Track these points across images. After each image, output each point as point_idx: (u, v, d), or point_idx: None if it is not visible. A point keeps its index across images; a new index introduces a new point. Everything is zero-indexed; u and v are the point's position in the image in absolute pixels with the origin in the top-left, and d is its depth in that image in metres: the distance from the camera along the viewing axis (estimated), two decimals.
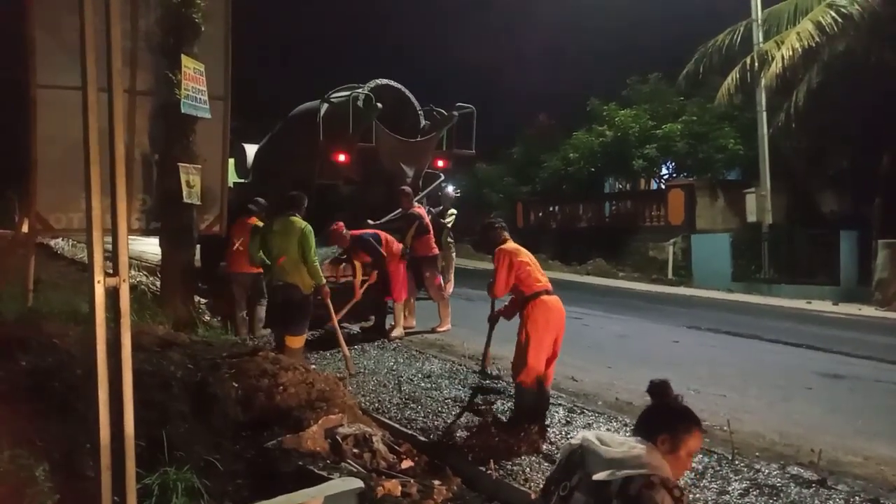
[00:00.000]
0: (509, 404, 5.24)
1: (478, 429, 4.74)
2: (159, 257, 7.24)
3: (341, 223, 7.64)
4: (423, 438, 4.55)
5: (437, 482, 3.70)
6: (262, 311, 7.54)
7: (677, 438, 1.97)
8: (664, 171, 21.34)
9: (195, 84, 5.79)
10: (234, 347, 5.24)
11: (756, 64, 14.37)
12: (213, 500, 2.94)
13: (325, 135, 8.40)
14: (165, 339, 5.05)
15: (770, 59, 13.94)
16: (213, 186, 6.37)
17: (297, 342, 6.07)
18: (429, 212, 9.47)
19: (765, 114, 14.90)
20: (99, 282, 2.11)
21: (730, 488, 3.83)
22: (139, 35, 5.76)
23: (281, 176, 9.30)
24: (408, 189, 8.45)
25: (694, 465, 4.16)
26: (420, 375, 6.30)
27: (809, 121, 14.37)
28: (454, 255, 9.70)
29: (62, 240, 16.54)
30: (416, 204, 8.54)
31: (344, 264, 8.58)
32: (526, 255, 4.89)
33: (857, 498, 3.69)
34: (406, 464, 3.96)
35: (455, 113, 9.40)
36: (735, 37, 15.57)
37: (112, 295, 2.18)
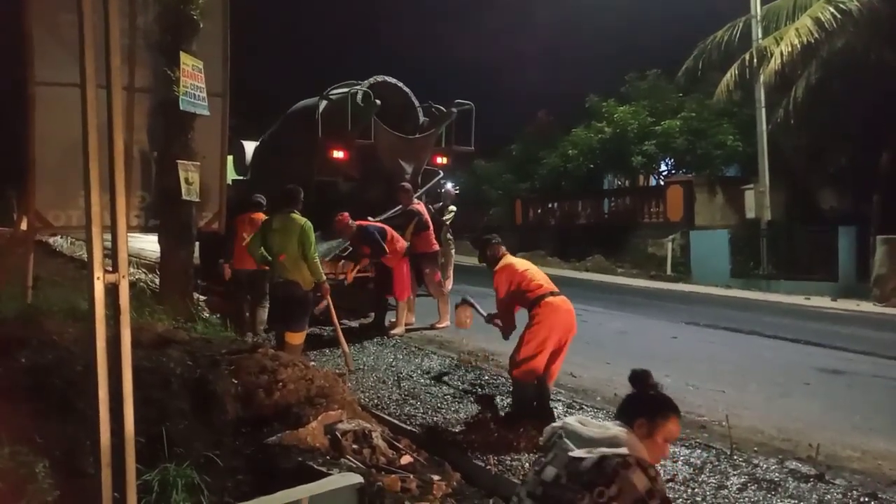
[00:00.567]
0: (508, 400, 5.26)
1: (477, 424, 4.76)
2: (158, 254, 7.25)
3: (346, 214, 7.66)
4: (422, 434, 4.57)
5: (436, 477, 3.71)
6: (263, 313, 7.49)
7: (654, 423, 2.04)
8: (663, 167, 21.34)
9: (194, 81, 5.79)
10: (234, 344, 5.24)
11: (755, 60, 14.36)
12: (213, 496, 2.95)
13: (324, 132, 8.41)
14: (165, 336, 5.05)
15: (769, 55, 13.94)
16: (212, 183, 6.37)
17: (297, 339, 6.08)
18: (428, 209, 9.48)
19: (764, 110, 14.90)
20: (98, 278, 2.11)
21: (728, 483, 3.85)
22: (138, 32, 5.75)
23: (280, 173, 9.30)
24: (407, 185, 8.45)
25: (692, 460, 4.18)
26: (419, 372, 6.32)
27: (808, 117, 14.37)
28: (453, 251, 9.71)
29: (61, 237, 16.54)
30: (415, 200, 8.55)
31: (343, 261, 8.60)
32: (524, 265, 4.98)
33: (854, 492, 3.70)
34: (405, 459, 3.96)
35: (454, 110, 9.41)
36: (734, 33, 15.57)
37: (111, 292, 2.18)
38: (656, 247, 17.52)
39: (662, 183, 20.22)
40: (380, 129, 8.59)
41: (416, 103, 9.44)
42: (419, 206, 8.53)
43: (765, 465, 4.07)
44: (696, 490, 3.76)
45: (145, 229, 6.40)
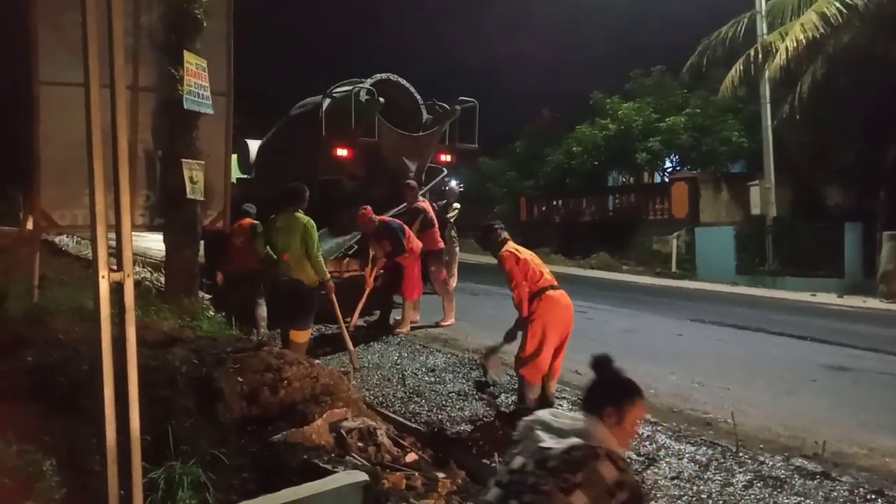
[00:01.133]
0: (513, 397, 5.25)
1: (482, 422, 4.76)
2: (164, 253, 7.27)
3: (369, 207, 7.69)
4: (427, 432, 4.57)
5: (441, 475, 3.72)
6: (262, 311, 7.54)
7: (622, 409, 2.04)
8: (668, 164, 21.28)
9: (197, 80, 5.80)
10: (239, 342, 5.26)
11: (760, 56, 14.28)
12: (218, 494, 2.96)
13: (328, 130, 8.41)
14: (170, 334, 5.07)
15: (774, 50, 13.86)
16: (217, 182, 6.39)
17: (301, 337, 6.10)
18: (433, 207, 9.47)
19: (769, 106, 14.82)
20: (103, 277, 2.12)
21: (734, 480, 3.84)
22: (142, 31, 5.76)
23: (284, 171, 9.30)
24: (413, 183, 8.45)
25: (698, 457, 4.17)
26: (424, 369, 6.32)
27: (814, 113, 14.28)
28: (458, 249, 9.71)
29: (67, 236, 16.60)
30: (420, 198, 8.54)
31: (347, 259, 8.60)
32: (527, 253, 4.95)
33: (861, 489, 3.69)
34: (410, 457, 3.97)
35: (457, 107, 9.39)
36: (739, 29, 15.49)
37: (116, 290, 2.19)
38: (661, 244, 17.47)
39: (667, 180, 20.17)
40: (383, 127, 8.59)
41: (420, 101, 9.43)
42: (424, 203, 8.52)
43: (771, 463, 4.07)
44: (701, 487, 3.76)
45: (150, 228, 6.42)
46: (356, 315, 7.66)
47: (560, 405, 5.10)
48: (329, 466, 3.37)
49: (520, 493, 1.88)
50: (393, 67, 9.36)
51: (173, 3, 5.85)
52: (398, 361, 6.67)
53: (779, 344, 8.01)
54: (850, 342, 7.84)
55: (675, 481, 3.85)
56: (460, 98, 9.46)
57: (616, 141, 20.17)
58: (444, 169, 9.84)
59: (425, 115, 9.43)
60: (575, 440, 1.91)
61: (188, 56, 5.73)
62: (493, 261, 5.06)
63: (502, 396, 5.46)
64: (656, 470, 4.01)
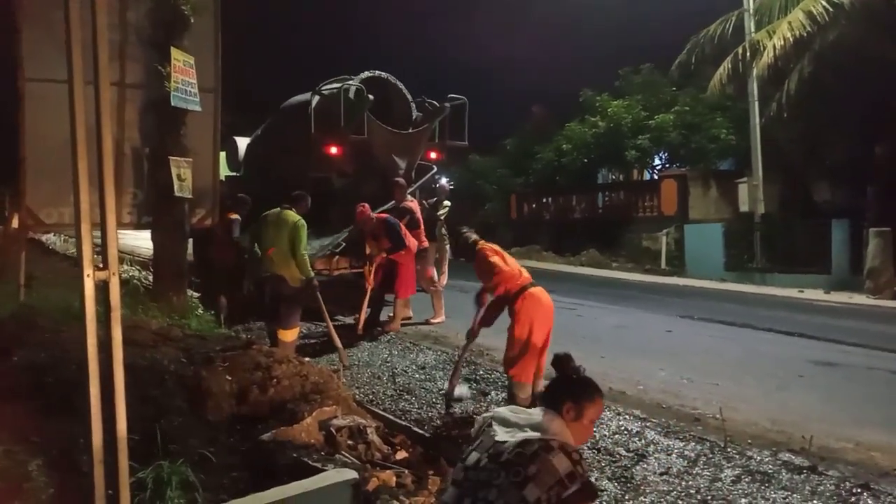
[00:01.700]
0: (503, 395, 5.26)
1: (472, 419, 4.76)
2: (152, 252, 7.22)
3: (366, 205, 7.69)
4: (417, 430, 4.57)
5: (431, 473, 3.72)
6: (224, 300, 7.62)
7: (581, 406, 2.06)
8: (657, 161, 21.36)
9: (185, 77, 5.75)
10: (228, 341, 5.24)
11: (748, 54, 14.37)
12: (207, 493, 2.95)
13: (317, 127, 8.37)
14: (159, 333, 5.04)
15: (762, 49, 13.95)
16: (205, 180, 6.34)
17: (289, 335, 6.09)
18: (422, 204, 9.47)
19: (757, 104, 14.91)
20: (88, 276, 2.10)
21: (722, 475, 3.87)
22: (128, 28, 5.71)
23: (273, 169, 9.28)
24: (402, 181, 8.44)
25: (687, 452, 4.20)
26: (414, 367, 6.32)
27: (802, 111, 14.38)
28: (448, 247, 9.71)
29: (54, 235, 16.46)
30: (408, 197, 8.53)
31: (337, 257, 8.58)
32: (500, 250, 4.96)
33: (847, 483, 3.73)
34: (400, 455, 3.97)
35: (447, 105, 9.38)
36: (727, 27, 15.57)
37: (102, 289, 2.17)
38: (651, 241, 17.55)
39: (656, 177, 20.25)
40: (373, 124, 8.57)
41: (410, 98, 9.41)
42: (412, 203, 8.52)
43: (758, 458, 4.10)
44: (690, 483, 3.78)
45: (138, 226, 6.37)
46: (361, 320, 7.65)
47: None
48: (319, 465, 3.36)
49: (475, 489, 1.88)
50: (383, 65, 9.33)
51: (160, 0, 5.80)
52: (388, 359, 6.66)
53: (767, 340, 8.07)
54: (837, 338, 7.92)
55: (664, 477, 3.87)
56: (450, 95, 9.45)
57: (606, 138, 20.22)
58: (434, 166, 9.84)
59: (415, 113, 9.41)
60: (529, 433, 1.92)
61: (175, 53, 5.68)
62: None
63: (493, 393, 5.46)
64: (645, 465, 4.04)
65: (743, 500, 3.57)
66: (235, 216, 7.58)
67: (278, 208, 6.23)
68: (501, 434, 1.96)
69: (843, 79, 13.37)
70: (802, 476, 3.83)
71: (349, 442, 3.85)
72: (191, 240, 7.34)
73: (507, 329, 4.78)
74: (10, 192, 8.10)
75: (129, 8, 5.66)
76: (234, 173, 10.73)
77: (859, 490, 3.64)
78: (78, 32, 2.08)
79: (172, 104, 5.72)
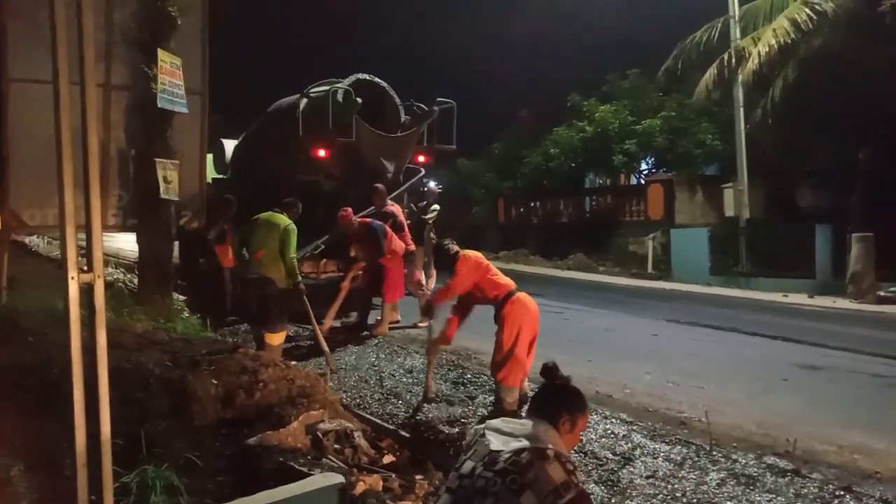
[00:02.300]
0: (491, 398, 5.26)
1: (459, 423, 4.76)
2: (137, 254, 7.15)
3: (349, 209, 7.68)
4: (404, 433, 4.56)
5: (418, 477, 3.72)
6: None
7: (575, 418, 2.12)
8: (644, 166, 21.50)
9: (172, 78, 5.72)
10: (215, 344, 5.20)
11: (733, 60, 14.53)
12: (192, 498, 2.92)
13: (305, 130, 8.36)
14: (144, 336, 5.00)
15: (747, 55, 14.11)
16: (191, 182, 6.31)
17: (276, 339, 6.06)
18: (410, 208, 9.47)
19: (742, 110, 15.06)
20: (73, 278, 2.08)
21: (707, 478, 3.89)
22: (114, 28, 5.67)
23: (261, 171, 9.24)
24: (381, 187, 8.42)
25: (673, 455, 4.22)
26: (402, 371, 6.31)
27: (786, 117, 14.55)
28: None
29: (38, 237, 16.26)
30: (389, 202, 8.51)
31: (325, 260, 8.56)
32: (485, 259, 5.02)
33: (830, 486, 3.76)
34: (388, 459, 3.96)
35: (435, 108, 9.40)
36: (713, 33, 15.73)
37: (87, 292, 2.15)
38: (637, 245, 17.64)
39: (643, 181, 20.38)
40: (361, 127, 8.56)
41: (398, 101, 9.42)
42: (394, 207, 8.50)
43: (744, 461, 4.13)
44: (675, 486, 3.80)
45: (123, 228, 6.33)
46: (329, 318, 7.60)
47: None
48: (305, 469, 3.35)
49: (470, 497, 1.90)
50: (371, 68, 9.33)
51: (147, 0, 5.76)
52: (375, 363, 6.64)
53: (752, 344, 8.14)
54: (821, 341, 8.00)
55: (650, 480, 3.89)
56: (438, 99, 9.47)
57: (593, 143, 20.32)
58: (423, 169, 9.84)
59: (403, 116, 9.42)
60: (525, 442, 1.95)
61: (162, 54, 5.65)
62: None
63: (480, 397, 5.46)
64: (632, 469, 4.05)
65: (728, 503, 3.59)
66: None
67: (269, 211, 6.22)
68: (496, 443, 1.98)
69: (826, 85, 13.55)
70: (786, 479, 3.87)
71: (336, 446, 3.83)
72: (176, 242, 7.27)
73: (494, 333, 4.80)
74: None
75: (116, 9, 5.63)
76: (222, 176, 10.67)
77: (842, 493, 3.68)
78: (64, 33, 2.07)
79: (159, 106, 5.69)
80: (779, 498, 3.63)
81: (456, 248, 5.08)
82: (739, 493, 3.71)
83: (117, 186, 5.90)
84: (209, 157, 8.15)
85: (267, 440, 3.62)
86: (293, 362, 5.39)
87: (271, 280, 5.96)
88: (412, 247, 8.52)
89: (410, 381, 5.99)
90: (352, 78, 8.78)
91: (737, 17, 15.25)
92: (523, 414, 4.67)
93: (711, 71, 14.99)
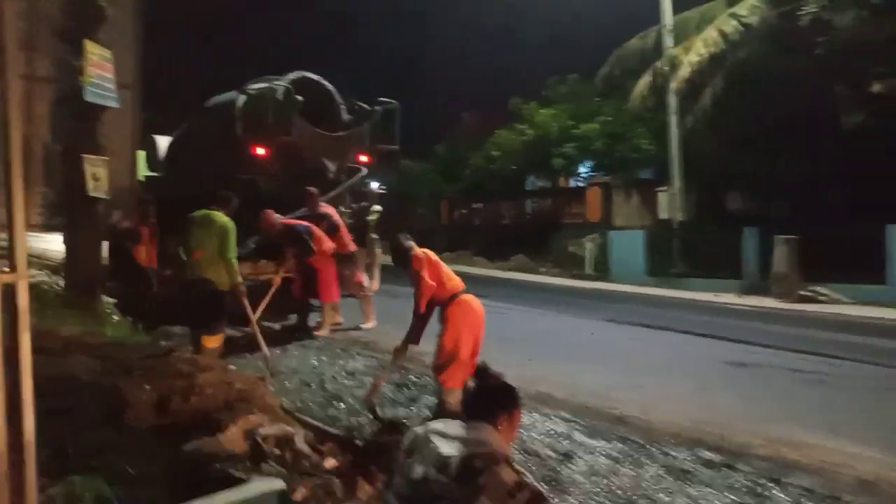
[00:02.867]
0: (433, 399, 5.25)
1: (403, 425, 4.73)
2: (64, 255, 6.81)
3: (271, 211, 7.49)
4: (347, 437, 4.50)
5: (361, 480, 3.67)
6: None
7: (512, 416, 2.22)
8: (583, 169, 22.00)
9: (101, 71, 5.48)
10: (147, 349, 5.00)
11: (666, 69, 15.06)
12: None
13: (244, 128, 8.15)
14: (72, 341, 4.76)
15: (678, 64, 14.66)
16: (122, 180, 6.06)
17: (213, 342, 5.87)
18: (352, 209, 9.36)
19: (675, 116, 15.62)
20: None
21: (644, 473, 4.00)
22: (39, 18, 5.40)
23: (197, 169, 8.94)
24: (313, 190, 8.29)
25: (612, 452, 4.32)
26: (344, 373, 6.23)
27: (716, 124, 15.19)
28: (379, 251, 9.64)
29: None
30: (322, 204, 8.38)
31: (263, 260, 8.36)
32: (435, 258, 4.97)
33: (758, 476, 3.93)
34: (330, 463, 3.89)
35: (378, 108, 9.34)
36: (648, 41, 16.27)
37: (9, 294, 2.02)
38: (577, 246, 18.06)
39: (582, 185, 20.86)
40: (302, 126, 8.41)
41: (340, 101, 9.30)
42: (327, 208, 8.38)
43: (679, 455, 4.27)
44: (615, 482, 3.89)
45: (47, 227, 6.02)
46: (255, 316, 7.41)
47: None
48: (244, 475, 3.26)
49: (427, 502, 1.92)
50: (313, 68, 9.19)
51: None
52: (317, 366, 6.54)
53: (686, 342, 8.45)
54: (749, 339, 8.37)
55: (591, 477, 3.97)
56: (380, 99, 9.41)
57: (534, 146, 20.67)
58: (365, 169, 9.75)
59: (345, 115, 9.31)
60: (473, 447, 1.99)
61: (90, 46, 5.40)
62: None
63: (424, 398, 5.45)
64: (573, 466, 4.12)
65: (664, 497, 3.70)
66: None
67: (205, 209, 5.99)
68: (445, 448, 2.00)
69: (752, 94, 14.23)
70: (719, 472, 4.02)
71: (276, 451, 3.74)
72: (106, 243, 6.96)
73: (437, 335, 4.79)
74: None
75: None
76: (155, 173, 10.29)
77: (770, 484, 3.85)
78: None
79: (87, 99, 5.44)
80: (712, 490, 3.77)
81: (411, 243, 5.01)
82: (675, 486, 3.83)
83: (41, 183, 5.61)
84: (141, 154, 7.85)
85: (204, 447, 3.50)
86: (232, 366, 5.25)
87: (210, 281, 5.77)
88: (352, 248, 8.42)
89: (353, 384, 5.91)
90: (292, 75, 8.61)
91: (670, 27, 15.78)
92: None
93: (646, 78, 15.50)
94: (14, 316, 2.01)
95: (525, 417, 4.94)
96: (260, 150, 8.22)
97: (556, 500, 3.69)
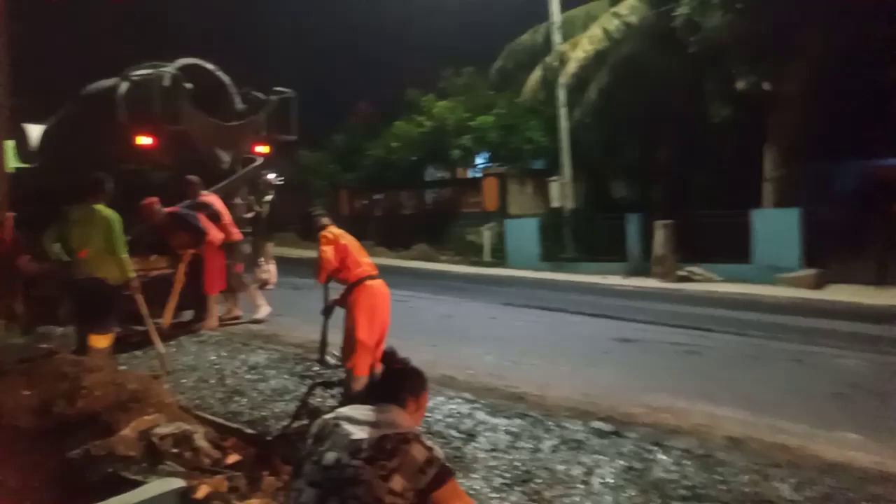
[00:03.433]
0: (339, 388, 5.26)
1: (307, 416, 4.71)
2: None
3: (155, 199, 7.13)
4: (249, 431, 4.42)
5: (266, 473, 3.64)
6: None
7: (420, 398, 2.32)
8: (480, 160, 22.46)
9: None
10: (26, 351, 4.66)
11: (555, 64, 15.67)
12: None
13: (127, 116, 7.68)
14: None
15: (566, 59, 15.30)
16: None
17: (102, 341, 5.54)
18: (249, 200, 9.09)
19: (565, 109, 16.27)
20: None
21: (542, 446, 4.23)
22: None
23: (75, 160, 8.32)
24: (193, 178, 7.99)
25: (511, 428, 4.53)
26: (245, 367, 6.09)
27: (602, 117, 16.01)
28: (272, 243, 9.44)
29: None
30: (203, 192, 8.10)
31: (155, 255, 7.96)
32: (348, 239, 4.93)
33: (644, 442, 4.27)
34: (232, 458, 3.83)
35: (274, 97, 9.10)
36: (538, 37, 16.84)
37: None
38: (475, 235, 18.45)
39: (479, 175, 21.31)
40: (192, 114, 8.04)
41: (234, 89, 8.97)
42: (208, 197, 8.11)
43: (573, 427, 4.54)
44: (515, 456, 4.09)
45: None
46: (168, 314, 7.14)
47: None
48: (139, 477, 3.15)
49: (340, 487, 1.96)
50: (204, 54, 8.78)
51: None
52: (216, 361, 6.34)
53: (577, 322, 8.92)
54: (633, 317, 8.96)
55: (492, 453, 4.15)
56: (276, 88, 9.18)
57: (432, 137, 20.86)
58: (261, 160, 9.48)
59: (239, 104, 9.00)
60: (385, 430, 2.06)
61: None
62: (316, 254, 5.01)
63: (330, 389, 5.44)
64: (476, 444, 4.29)
65: (561, 467, 3.94)
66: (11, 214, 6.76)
67: (83, 203, 5.60)
68: (357, 432, 2.05)
69: (634, 89, 15.10)
70: (609, 440, 4.32)
71: (174, 450, 3.63)
72: None
73: (343, 321, 4.79)
74: None
75: None
76: (26, 164, 9.47)
77: (654, 447, 4.19)
78: None
79: None
80: (603, 457, 4.06)
81: (325, 220, 4.96)
82: (570, 456, 4.08)
83: None
84: (9, 143, 7.23)
85: (94, 450, 3.35)
86: (122, 366, 5.01)
87: (101, 280, 5.42)
88: (236, 237, 8.17)
89: (254, 377, 5.80)
90: (180, 62, 8.19)
91: (558, 23, 16.38)
92: None
93: (537, 72, 16.05)
94: None
95: (429, 401, 5.06)
96: (145, 140, 7.78)
97: (461, 477, 3.84)
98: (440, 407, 4.93)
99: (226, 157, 8.66)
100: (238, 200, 8.85)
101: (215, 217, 7.83)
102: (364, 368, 4.74)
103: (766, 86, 12.61)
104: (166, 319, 7.11)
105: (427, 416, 4.62)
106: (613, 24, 14.60)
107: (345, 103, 26.06)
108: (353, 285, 4.71)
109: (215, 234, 7.58)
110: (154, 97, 7.54)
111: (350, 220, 22.93)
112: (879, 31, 11.56)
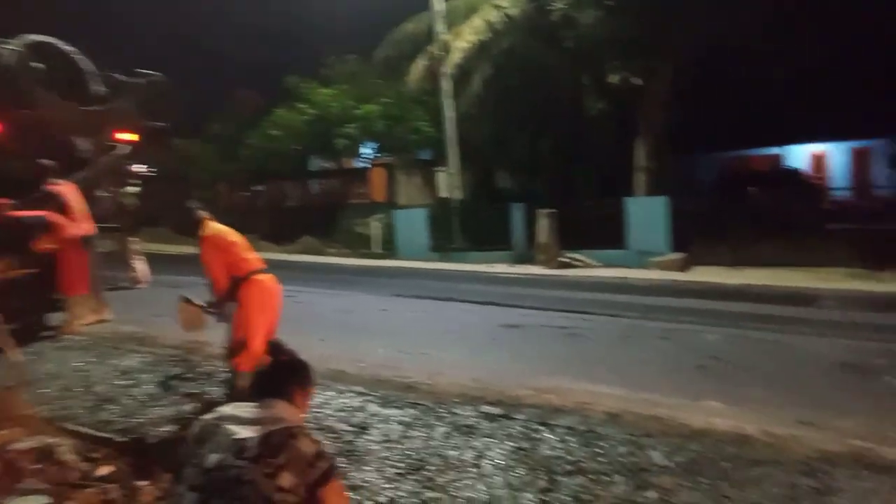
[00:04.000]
0: (222, 389, 5.03)
1: (186, 419, 4.47)
2: None
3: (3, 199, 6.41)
4: (122, 440, 4.13)
5: (143, 482, 3.42)
6: None
7: (306, 390, 2.30)
8: (366, 150, 22.22)
9: None
10: None
11: (440, 53, 15.78)
12: None
13: None
14: None
15: (450, 49, 15.46)
16: None
17: None
18: (111, 192, 8.41)
19: (451, 100, 16.45)
20: None
21: (434, 433, 4.28)
22: None
23: None
24: (46, 162, 7.35)
25: (404, 418, 4.54)
26: (116, 373, 5.67)
27: (487, 108, 16.35)
28: (137, 239, 8.81)
29: None
30: (54, 181, 7.45)
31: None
32: (233, 235, 4.74)
33: (531, 423, 4.43)
34: (104, 470, 3.56)
35: (141, 81, 8.46)
36: (421, 25, 16.85)
37: None
38: (363, 226, 18.31)
39: (366, 165, 21.11)
40: (45, 97, 7.30)
41: (92, 71, 8.24)
42: (58, 186, 7.46)
43: (463, 413, 4.62)
44: (408, 445, 4.11)
45: None
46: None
47: None
48: None
49: (222, 490, 1.88)
50: (60, 33, 7.98)
51: None
52: (83, 367, 5.86)
53: (466, 310, 9.10)
54: (519, 304, 9.27)
55: (385, 444, 4.14)
56: (144, 71, 8.54)
57: (316, 126, 20.34)
58: (126, 148, 8.80)
59: (100, 88, 8.29)
60: (271, 426, 2.00)
61: None
62: (197, 251, 4.76)
63: (211, 390, 5.18)
64: (368, 437, 4.25)
65: (453, 452, 4.00)
66: None
67: None
68: (241, 431, 1.96)
69: (516, 81, 15.56)
70: (498, 423, 4.45)
71: (37, 466, 3.33)
72: None
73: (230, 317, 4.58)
74: None
75: None
76: None
77: (541, 427, 4.36)
78: None
79: None
80: (493, 440, 4.16)
81: (201, 214, 4.69)
82: (461, 441, 4.15)
83: None
84: None
85: None
86: None
87: None
88: (86, 230, 7.55)
89: (126, 382, 5.42)
90: (27, 38, 7.40)
91: (441, 13, 16.44)
92: None
93: (421, 61, 16.07)
94: None
95: (319, 395, 4.96)
96: None
97: (354, 470, 3.79)
98: (331, 401, 4.85)
99: (85, 145, 7.96)
100: (101, 193, 8.17)
101: (61, 209, 7.18)
102: (249, 366, 4.55)
103: (636, 81, 13.41)
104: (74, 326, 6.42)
105: (318, 411, 4.53)
106: (495, 16, 14.90)
107: (227, 91, 24.85)
108: (241, 281, 4.52)
109: (71, 232, 6.95)
110: None
111: (231, 212, 21.95)
112: (737, 34, 12.64)
